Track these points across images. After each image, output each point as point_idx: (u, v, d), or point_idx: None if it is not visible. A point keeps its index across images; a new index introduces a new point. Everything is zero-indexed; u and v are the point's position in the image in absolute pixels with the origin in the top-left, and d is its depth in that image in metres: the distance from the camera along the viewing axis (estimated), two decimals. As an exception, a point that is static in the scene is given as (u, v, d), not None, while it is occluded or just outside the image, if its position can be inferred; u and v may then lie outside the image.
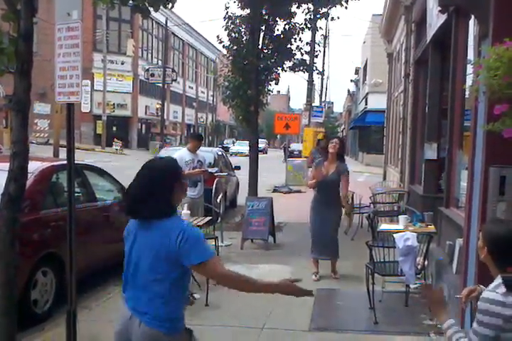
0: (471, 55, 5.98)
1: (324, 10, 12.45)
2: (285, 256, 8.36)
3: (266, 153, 48.83)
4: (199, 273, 2.73)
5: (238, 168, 14.20)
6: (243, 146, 49.23)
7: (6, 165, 3.78)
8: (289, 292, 2.76)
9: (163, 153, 12.88)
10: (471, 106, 5.26)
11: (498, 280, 2.60)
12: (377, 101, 31.13)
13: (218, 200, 10.13)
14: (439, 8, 6.86)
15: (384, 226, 6.74)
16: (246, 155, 36.77)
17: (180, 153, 8.36)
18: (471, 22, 5.85)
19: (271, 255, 8.44)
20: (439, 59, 8.76)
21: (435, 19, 7.83)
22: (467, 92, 6.24)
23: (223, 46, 12.32)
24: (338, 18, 15.61)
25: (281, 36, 11.84)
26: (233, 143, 55.87)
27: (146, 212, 2.61)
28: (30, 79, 3.65)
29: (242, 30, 11.87)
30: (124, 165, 23.72)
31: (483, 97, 3.78)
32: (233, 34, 11.90)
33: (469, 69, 6.03)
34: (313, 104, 29.01)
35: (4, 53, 3.64)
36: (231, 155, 17.18)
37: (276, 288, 2.74)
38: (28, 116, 3.75)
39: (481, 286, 2.96)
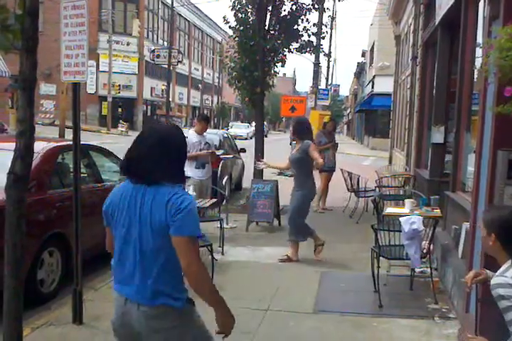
0: (480, 36, 5.90)
1: (332, -10, 12.30)
2: (290, 238, 8.37)
3: (266, 136, 46.09)
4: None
5: (244, 150, 14.18)
6: (241, 129, 46.89)
7: (12, 145, 3.76)
8: (225, 322, 2.55)
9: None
10: (480, 88, 5.20)
11: (506, 264, 2.59)
12: (384, 85, 30.90)
13: (224, 183, 10.13)
14: (450, -11, 6.75)
15: (390, 209, 6.72)
16: (245, 139, 35.58)
17: (187, 135, 8.34)
18: (481, 3, 5.76)
19: (275, 237, 8.46)
20: (447, 41, 8.64)
21: (445, 0, 7.72)
22: (476, 75, 6.17)
23: (229, 27, 12.20)
24: (346, -2, 15.42)
25: (288, 17, 11.71)
26: (230, 125, 52.24)
27: None
28: (36, 56, 3.60)
29: (249, 10, 11.75)
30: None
31: (493, 79, 3.73)
32: (239, 14, 11.78)
33: (478, 51, 5.96)
34: (319, 87, 28.82)
35: (10, 30, 3.59)
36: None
37: (223, 310, 2.53)
38: (34, 94, 3.71)
39: (487, 271, 2.95)
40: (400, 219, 5.65)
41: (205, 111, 57.59)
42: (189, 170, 8.23)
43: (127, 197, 2.57)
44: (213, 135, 13.00)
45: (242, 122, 59.98)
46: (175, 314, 2.51)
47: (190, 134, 8.40)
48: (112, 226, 2.67)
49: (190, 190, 7.43)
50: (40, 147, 5.57)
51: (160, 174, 2.53)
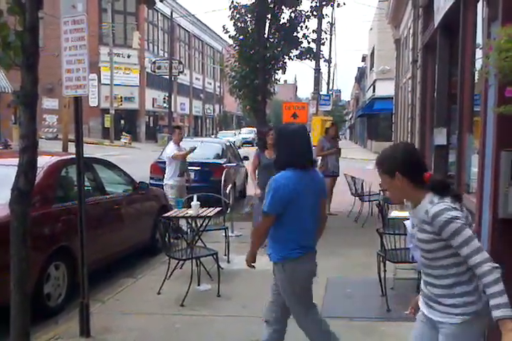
0: (479, 38, 5.90)
1: (330, -4, 12.34)
2: (296, 245, 8.35)
3: (254, 145, 39.17)
4: None
5: (247, 158, 14.19)
6: (228, 138, 44.01)
7: (16, 161, 3.78)
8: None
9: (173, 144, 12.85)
10: (481, 90, 5.20)
11: (428, 197, 2.68)
12: (385, 88, 30.93)
13: (227, 191, 10.13)
14: (447, -8, 6.77)
15: (394, 213, 6.69)
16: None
17: (170, 148, 9.38)
18: (480, 4, 5.77)
19: (282, 244, 8.43)
20: (447, 44, 8.65)
21: (443, 3, 7.74)
22: (476, 76, 6.17)
23: (229, 36, 12.26)
24: (344, 4, 15.40)
25: (287, 24, 11.75)
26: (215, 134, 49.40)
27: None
28: (37, 72, 3.63)
29: (248, 19, 11.80)
30: (133, 158, 23.79)
31: (493, 80, 3.73)
32: (239, 24, 11.83)
33: (478, 53, 5.96)
34: (320, 93, 28.83)
35: (10, 47, 3.62)
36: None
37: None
38: (36, 110, 3.73)
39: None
40: (405, 222, 5.62)
41: (207, 121, 57.55)
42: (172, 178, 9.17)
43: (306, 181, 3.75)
44: (216, 144, 13.06)
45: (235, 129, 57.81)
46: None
47: (170, 147, 9.34)
48: (292, 207, 3.78)
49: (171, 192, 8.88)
50: (43, 161, 5.59)
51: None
